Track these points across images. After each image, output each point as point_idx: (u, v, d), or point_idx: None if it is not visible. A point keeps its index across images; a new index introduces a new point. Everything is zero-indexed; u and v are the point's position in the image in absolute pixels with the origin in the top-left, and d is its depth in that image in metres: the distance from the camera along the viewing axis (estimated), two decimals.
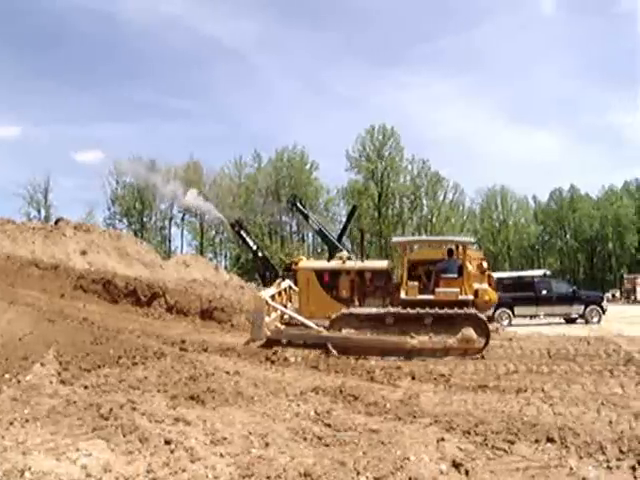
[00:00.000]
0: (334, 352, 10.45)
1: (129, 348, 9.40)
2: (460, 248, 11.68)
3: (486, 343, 10.59)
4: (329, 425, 5.47)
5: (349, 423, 5.54)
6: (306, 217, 34.36)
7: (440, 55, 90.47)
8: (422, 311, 10.65)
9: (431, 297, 10.95)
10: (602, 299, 22.94)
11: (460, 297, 10.92)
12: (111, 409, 5.40)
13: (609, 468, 4.39)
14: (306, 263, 12.84)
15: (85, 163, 73.30)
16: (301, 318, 11.34)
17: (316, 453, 4.60)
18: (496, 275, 12.31)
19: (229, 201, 57.92)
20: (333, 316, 10.91)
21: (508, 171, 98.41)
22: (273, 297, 11.76)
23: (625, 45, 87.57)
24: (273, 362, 9.47)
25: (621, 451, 4.71)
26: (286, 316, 12.03)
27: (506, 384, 7.91)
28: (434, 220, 62.71)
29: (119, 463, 4.18)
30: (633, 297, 42.89)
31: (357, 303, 11.49)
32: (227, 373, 7.92)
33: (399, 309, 10.83)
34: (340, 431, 5.28)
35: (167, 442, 4.57)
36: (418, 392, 7.30)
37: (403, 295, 11.05)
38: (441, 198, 65.03)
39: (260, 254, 33.80)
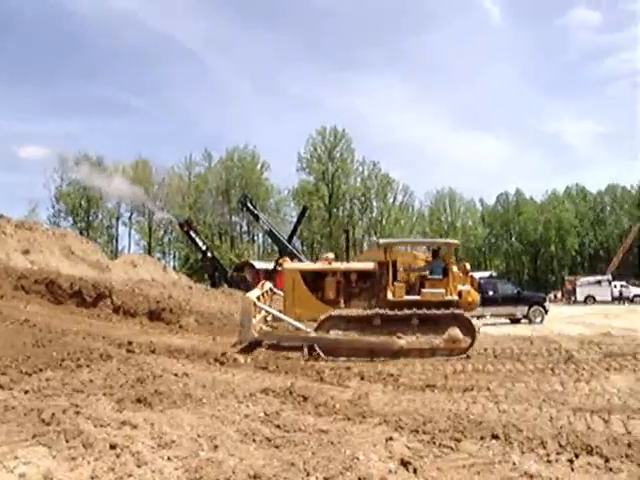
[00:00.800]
0: (321, 354, 10.41)
1: (73, 350, 9.13)
2: (444, 249, 11.92)
3: (472, 343, 10.74)
4: (279, 426, 5.45)
5: (299, 424, 5.53)
6: (256, 217, 34.22)
7: (393, 59, 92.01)
8: (410, 312, 10.70)
9: (417, 298, 11.05)
10: (545, 300, 23.72)
11: (446, 298, 11.05)
12: (53, 414, 5.21)
13: (549, 462, 4.54)
14: (292, 264, 12.72)
15: (29, 159, 70.68)
16: (290, 320, 11.17)
17: (266, 454, 4.57)
18: None
19: (178, 200, 57.11)
20: (321, 318, 10.81)
21: (457, 175, 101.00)
22: (258, 299, 11.60)
23: (567, 55, 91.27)
24: (222, 363, 9.36)
25: (560, 445, 4.89)
26: (269, 317, 11.90)
27: (453, 383, 8.08)
28: (384, 222, 63.49)
29: (61, 470, 4.03)
30: (573, 298, 44.60)
31: (343, 304, 11.45)
32: (175, 375, 7.78)
33: (387, 310, 10.80)
34: (290, 432, 5.26)
35: (112, 446, 4.44)
36: (367, 392, 7.36)
37: (390, 296, 11.09)
38: (391, 200, 66.04)
39: (209, 254, 33.49)
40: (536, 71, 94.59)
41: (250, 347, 10.75)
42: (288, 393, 6.97)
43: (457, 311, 10.92)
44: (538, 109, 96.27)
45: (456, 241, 14.17)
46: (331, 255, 12.90)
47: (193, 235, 33.04)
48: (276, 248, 36.77)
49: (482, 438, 5.12)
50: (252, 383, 7.80)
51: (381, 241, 11.90)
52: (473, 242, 70.07)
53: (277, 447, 4.80)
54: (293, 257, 28.83)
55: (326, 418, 5.93)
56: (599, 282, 44.52)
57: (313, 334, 10.69)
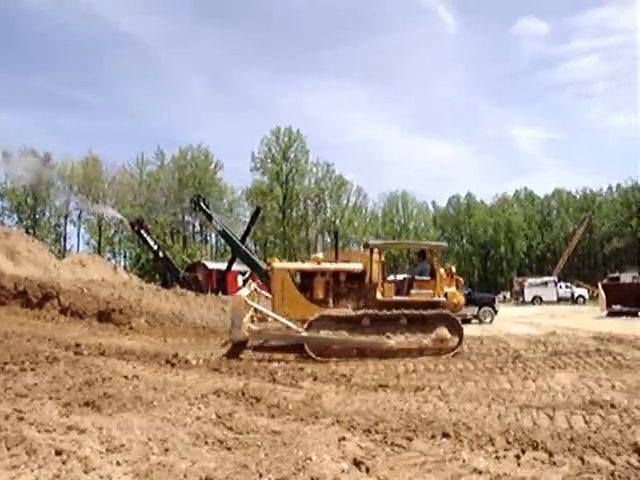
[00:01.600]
0: (311, 354, 10.29)
1: (17, 353, 8.82)
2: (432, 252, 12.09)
3: (459, 342, 10.87)
4: (231, 428, 5.39)
5: (251, 425, 5.49)
6: (209, 217, 33.64)
7: (346, 62, 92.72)
8: (406, 311, 10.76)
9: (406, 299, 11.16)
10: (494, 300, 24.32)
11: (433, 299, 11.22)
12: None
13: (497, 458, 4.64)
14: (281, 264, 12.56)
15: None
16: (282, 319, 10.91)
17: (218, 457, 4.52)
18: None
19: (130, 199, 55.95)
20: (311, 318, 10.66)
21: (410, 177, 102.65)
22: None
23: (518, 63, 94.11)
24: (173, 365, 9.20)
25: (508, 442, 5.00)
26: (255, 318, 11.74)
27: (405, 383, 8.16)
28: (337, 222, 63.84)
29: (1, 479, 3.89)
30: (521, 298, 45.97)
31: (331, 304, 11.36)
32: (125, 377, 7.61)
33: (379, 310, 10.78)
34: (242, 434, 5.22)
35: (58, 452, 4.29)
36: (320, 393, 7.35)
37: (379, 296, 11.13)
38: (345, 201, 66.46)
39: (161, 254, 32.87)
40: (488, 78, 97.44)
41: (238, 348, 10.57)
42: (241, 394, 6.90)
43: (445, 311, 11.10)
44: (490, 115, 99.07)
45: (444, 244, 14.46)
46: (320, 255, 12.78)
47: (144, 235, 32.36)
48: (229, 248, 36.39)
49: (433, 436, 5.19)
50: (204, 384, 7.69)
51: (370, 242, 11.96)
52: None
53: (229, 449, 4.75)
54: (246, 258, 28.62)
55: (279, 419, 5.91)
56: (546, 283, 46.02)
57: (304, 333, 10.54)
